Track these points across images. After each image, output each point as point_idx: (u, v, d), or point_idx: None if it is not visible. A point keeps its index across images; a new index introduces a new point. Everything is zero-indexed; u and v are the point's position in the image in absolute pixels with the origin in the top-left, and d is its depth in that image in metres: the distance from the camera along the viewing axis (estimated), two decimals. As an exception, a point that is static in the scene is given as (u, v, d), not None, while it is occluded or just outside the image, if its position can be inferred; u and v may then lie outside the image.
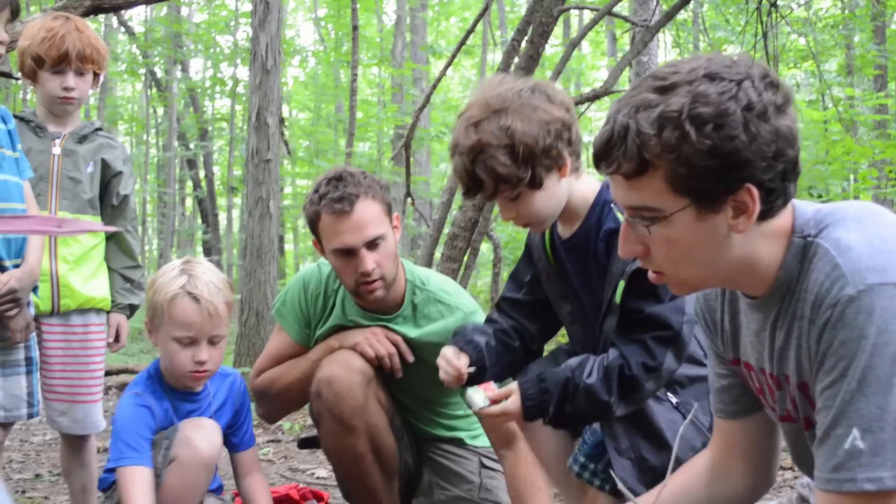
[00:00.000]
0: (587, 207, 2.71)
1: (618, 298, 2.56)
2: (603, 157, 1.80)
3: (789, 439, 2.09)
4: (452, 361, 2.77)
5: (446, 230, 7.23)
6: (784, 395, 1.95)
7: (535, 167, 2.51)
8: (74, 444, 3.95)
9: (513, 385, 2.60)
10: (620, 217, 2.61)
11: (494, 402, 2.61)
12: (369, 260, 3.23)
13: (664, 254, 1.85)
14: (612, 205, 2.67)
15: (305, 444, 3.74)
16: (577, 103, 7.74)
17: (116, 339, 4.05)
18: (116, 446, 3.06)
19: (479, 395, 2.64)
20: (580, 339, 2.86)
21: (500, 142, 2.48)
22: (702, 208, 1.76)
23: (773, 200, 1.77)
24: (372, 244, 3.24)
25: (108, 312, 3.99)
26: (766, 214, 1.78)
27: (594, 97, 7.39)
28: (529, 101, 2.53)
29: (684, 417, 2.59)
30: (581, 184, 2.71)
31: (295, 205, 24.58)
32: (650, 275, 1.93)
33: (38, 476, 6.09)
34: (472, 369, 2.77)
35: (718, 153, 1.70)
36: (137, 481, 3.00)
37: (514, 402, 2.57)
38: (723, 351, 2.13)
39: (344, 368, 3.27)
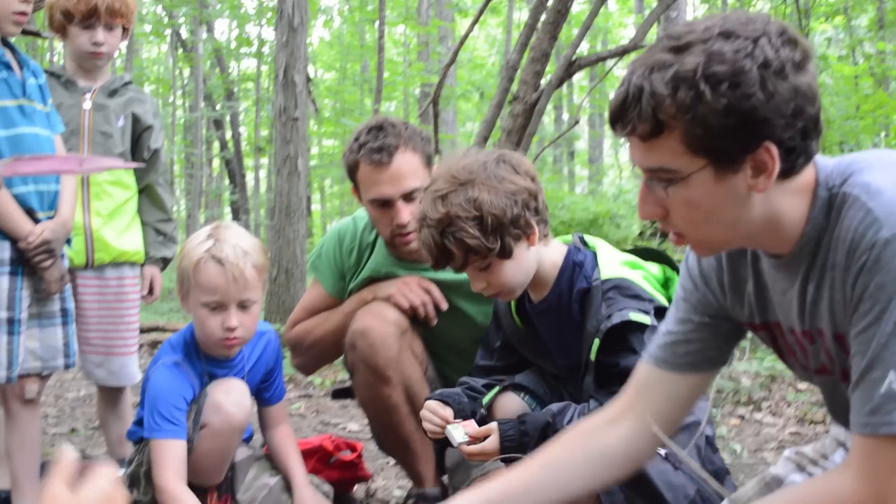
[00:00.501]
0: (556, 271, 2.75)
1: (592, 356, 2.59)
2: (618, 118, 1.78)
3: (825, 392, 2.07)
4: (438, 411, 2.79)
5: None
6: (818, 349, 1.93)
7: (504, 237, 2.55)
8: (111, 396, 4.00)
9: (492, 425, 2.61)
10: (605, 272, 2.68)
11: (474, 439, 2.63)
12: (405, 212, 3.24)
13: (683, 215, 1.82)
14: (580, 266, 2.73)
15: (339, 394, 3.77)
16: (604, 59, 7.68)
17: (150, 291, 4.09)
18: (152, 416, 3.05)
19: (459, 432, 2.66)
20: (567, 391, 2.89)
21: (468, 214, 2.52)
22: (720, 168, 1.72)
23: (794, 159, 1.73)
24: (409, 196, 3.25)
25: (141, 265, 4.04)
26: (787, 173, 1.74)
27: (622, 52, 7.33)
28: (495, 172, 2.57)
29: (675, 467, 2.54)
30: (549, 249, 2.75)
31: (322, 164, 24.58)
32: (671, 237, 1.91)
33: (73, 430, 6.16)
34: (458, 421, 2.78)
35: (735, 112, 1.66)
36: (171, 456, 3.02)
37: (492, 443, 2.58)
38: (735, 312, 2.09)
39: (378, 320, 3.29)
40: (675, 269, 2.81)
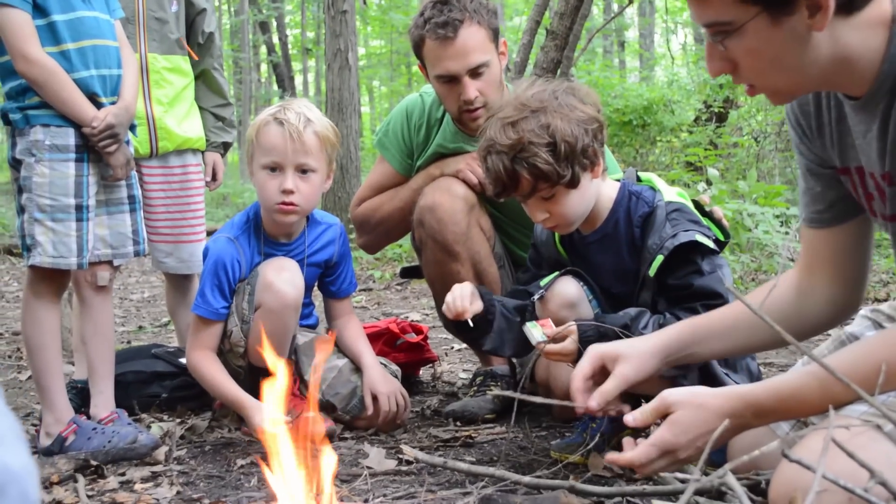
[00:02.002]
0: (611, 204, 2.74)
1: (652, 272, 2.59)
2: None
3: None
4: (465, 298, 2.74)
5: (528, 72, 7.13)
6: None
7: (574, 166, 2.55)
8: (180, 284, 4.05)
9: (571, 325, 2.59)
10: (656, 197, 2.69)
11: (552, 339, 2.61)
12: (472, 88, 3.22)
13: (749, 66, 1.79)
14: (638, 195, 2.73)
15: (407, 273, 3.77)
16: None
17: (214, 177, 4.10)
18: (199, 291, 3.17)
19: (538, 331, 2.63)
20: None
21: (541, 140, 2.51)
22: (774, 12, 1.69)
23: None
24: (475, 72, 3.22)
25: (202, 152, 4.04)
26: (850, 6, 1.69)
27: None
28: (566, 101, 2.58)
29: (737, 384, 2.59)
30: (605, 185, 2.74)
31: (369, 65, 24.43)
32: (745, 89, 1.87)
33: (141, 328, 6.28)
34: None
35: None
36: (201, 334, 3.16)
37: (572, 343, 2.57)
38: (828, 157, 2.05)
39: (446, 195, 3.27)
40: (722, 228, 2.78)
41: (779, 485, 1.78)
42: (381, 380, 3.26)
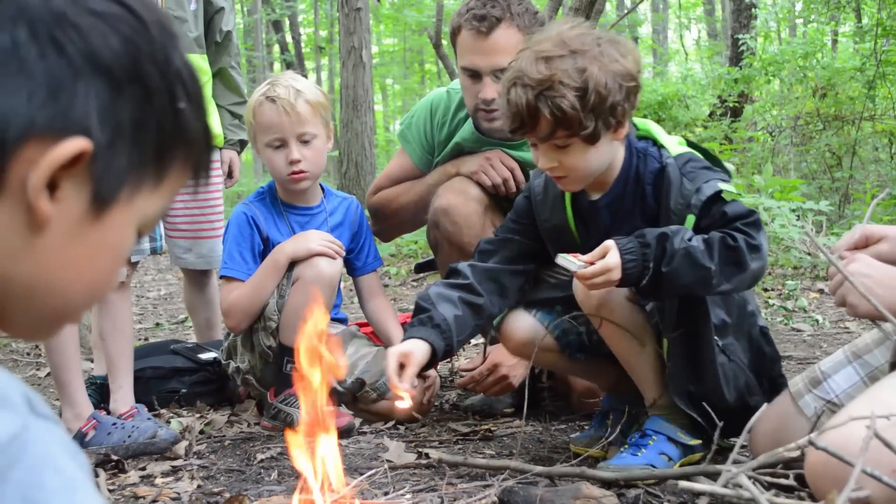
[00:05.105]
0: (618, 168, 2.59)
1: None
2: None
3: None
4: (392, 379, 2.55)
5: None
6: None
7: (598, 120, 2.39)
8: (198, 281, 4.06)
9: (608, 242, 2.39)
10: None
11: (590, 263, 2.39)
12: (491, 89, 3.17)
13: None
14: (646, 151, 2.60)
15: (422, 268, 3.78)
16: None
17: (230, 175, 4.11)
18: (223, 254, 3.34)
19: (573, 263, 2.40)
20: None
21: (573, 82, 2.35)
22: None
23: None
24: (499, 74, 3.13)
25: (220, 149, 4.05)
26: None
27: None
28: (608, 51, 2.41)
29: (729, 359, 2.52)
30: (620, 148, 2.60)
31: (383, 63, 24.41)
32: None
33: (158, 325, 6.29)
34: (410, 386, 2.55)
35: None
36: (230, 287, 3.28)
37: (613, 258, 2.35)
38: None
39: (461, 197, 3.27)
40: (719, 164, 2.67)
41: (814, 466, 1.79)
42: None
